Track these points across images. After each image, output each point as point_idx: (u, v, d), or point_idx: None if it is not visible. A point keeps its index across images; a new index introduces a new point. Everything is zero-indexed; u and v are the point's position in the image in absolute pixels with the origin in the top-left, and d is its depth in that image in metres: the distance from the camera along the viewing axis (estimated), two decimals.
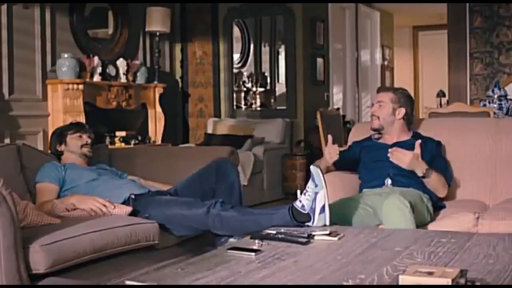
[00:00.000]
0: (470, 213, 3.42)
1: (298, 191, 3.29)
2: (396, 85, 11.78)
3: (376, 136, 4.03)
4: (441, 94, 9.95)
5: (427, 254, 2.46)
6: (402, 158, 3.62)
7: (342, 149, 4.02)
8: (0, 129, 5.88)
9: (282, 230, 2.89)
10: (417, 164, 3.62)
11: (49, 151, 4.22)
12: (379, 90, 4.01)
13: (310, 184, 3.17)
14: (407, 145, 3.75)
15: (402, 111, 3.91)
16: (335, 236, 2.79)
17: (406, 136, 3.94)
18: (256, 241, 2.70)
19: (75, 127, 4.24)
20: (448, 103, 9.12)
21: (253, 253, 2.50)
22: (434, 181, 3.67)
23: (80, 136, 4.11)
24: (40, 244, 2.86)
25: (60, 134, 4.15)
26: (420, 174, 3.63)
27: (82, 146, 4.09)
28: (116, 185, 3.83)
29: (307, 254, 2.55)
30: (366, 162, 3.98)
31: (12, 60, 6.04)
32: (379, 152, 3.86)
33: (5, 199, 2.76)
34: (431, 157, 3.79)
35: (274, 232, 2.85)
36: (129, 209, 3.54)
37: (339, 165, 3.98)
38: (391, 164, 3.70)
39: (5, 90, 5.96)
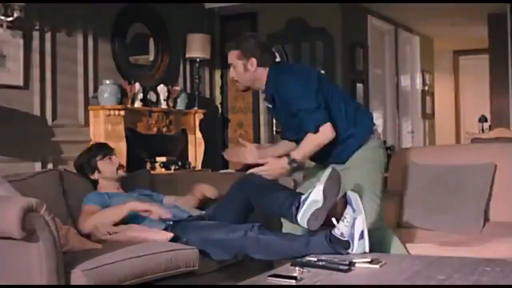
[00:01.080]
0: None
1: (334, 219, 3.25)
2: (437, 110, 11.70)
3: (263, 97, 3.82)
4: (483, 119, 9.83)
5: (471, 283, 2.41)
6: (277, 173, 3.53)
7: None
8: (43, 155, 5.96)
9: (323, 257, 2.86)
10: (278, 164, 3.48)
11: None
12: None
13: (348, 209, 3.15)
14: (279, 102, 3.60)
15: (253, 62, 3.66)
16: (376, 264, 2.75)
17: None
18: (297, 268, 2.68)
19: (102, 151, 4.11)
20: (490, 128, 9.01)
21: (293, 281, 2.49)
22: (309, 150, 3.50)
23: (110, 159, 4.06)
24: (82, 269, 2.88)
25: (89, 162, 4.04)
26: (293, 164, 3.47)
27: (117, 170, 4.05)
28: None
29: (348, 282, 2.52)
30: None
31: (55, 86, 6.13)
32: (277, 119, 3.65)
33: (48, 224, 2.80)
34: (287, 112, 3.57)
35: (314, 259, 2.83)
36: (169, 235, 3.53)
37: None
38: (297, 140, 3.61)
39: (49, 116, 6.05)
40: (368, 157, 3.58)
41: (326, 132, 3.48)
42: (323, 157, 3.63)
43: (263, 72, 3.67)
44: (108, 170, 4.04)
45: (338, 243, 3.12)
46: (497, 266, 2.68)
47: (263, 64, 3.67)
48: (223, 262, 3.63)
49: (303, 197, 3.36)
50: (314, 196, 3.29)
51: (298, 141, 3.64)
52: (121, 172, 4.08)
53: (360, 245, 3.09)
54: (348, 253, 3.08)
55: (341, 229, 3.14)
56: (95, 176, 4.03)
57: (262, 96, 3.71)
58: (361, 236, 3.10)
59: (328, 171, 3.33)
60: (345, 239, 3.12)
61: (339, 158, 3.61)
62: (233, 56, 3.74)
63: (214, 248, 3.50)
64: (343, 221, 3.16)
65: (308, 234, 3.36)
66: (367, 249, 3.08)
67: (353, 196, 3.17)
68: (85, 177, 4.07)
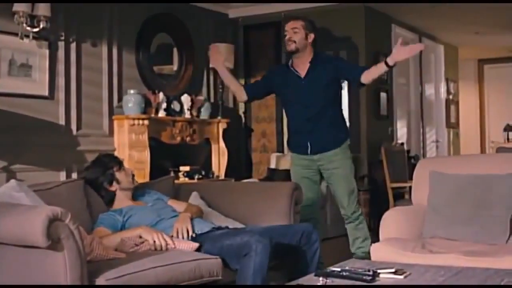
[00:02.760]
0: None
1: None
2: (462, 119, 11.62)
3: (291, 63, 4.79)
4: (508, 128, 9.74)
5: None
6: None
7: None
8: (68, 164, 6.01)
9: (347, 267, 2.85)
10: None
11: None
12: (288, 19, 4.83)
13: None
14: (317, 73, 4.68)
15: (312, 36, 4.73)
16: (401, 274, 2.74)
17: (310, 58, 4.73)
18: (320, 278, 2.67)
19: (115, 162, 4.00)
20: None
21: None
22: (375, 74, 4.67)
23: (124, 169, 3.99)
24: (106, 278, 2.90)
25: (105, 174, 3.92)
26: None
27: (132, 179, 4.04)
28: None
29: None
30: (284, 100, 4.94)
31: (80, 96, 6.19)
32: (293, 89, 4.73)
33: (73, 233, 2.81)
34: (340, 73, 4.75)
35: (338, 269, 2.82)
36: (195, 245, 3.53)
37: (250, 92, 4.94)
38: (308, 116, 4.68)
39: (73, 126, 6.11)
40: (349, 154, 4.87)
41: None
42: (312, 142, 4.73)
43: (311, 50, 4.75)
44: (125, 180, 3.96)
45: None
46: None
47: (314, 45, 4.76)
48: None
49: None
50: None
51: (309, 105, 4.72)
52: (135, 182, 4.07)
53: None
54: None
55: None
56: (114, 187, 3.93)
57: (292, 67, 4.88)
58: None
59: None
60: None
61: (326, 147, 4.73)
62: (299, 23, 4.71)
63: (229, 256, 3.50)
64: None
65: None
66: None
67: None
68: (98, 191, 3.95)
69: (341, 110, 4.94)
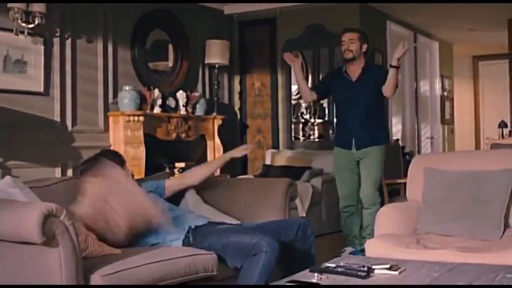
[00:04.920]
0: None
1: None
2: (456, 116, 11.65)
3: (345, 68, 5.43)
4: (502, 124, 9.75)
5: None
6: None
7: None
8: (64, 160, 6.00)
9: (342, 263, 2.85)
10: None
11: None
12: (345, 31, 5.48)
13: None
14: (367, 78, 5.31)
15: (365, 46, 5.39)
16: (395, 270, 2.75)
17: (362, 65, 5.36)
18: (315, 274, 2.68)
19: (118, 158, 3.97)
20: (510, 134, 8.94)
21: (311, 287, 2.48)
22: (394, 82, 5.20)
23: (125, 167, 3.97)
24: (101, 274, 2.90)
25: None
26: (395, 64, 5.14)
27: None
28: (178, 216, 3.80)
29: None
30: (337, 101, 5.71)
31: (76, 93, 6.18)
32: (345, 91, 5.39)
33: (68, 230, 2.81)
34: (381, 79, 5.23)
35: (333, 265, 2.82)
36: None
37: (320, 92, 5.67)
38: (355, 114, 5.30)
39: (69, 122, 6.10)
40: (385, 152, 5.42)
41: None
42: (356, 138, 5.35)
43: (363, 58, 5.41)
44: None
45: None
46: None
47: (366, 54, 5.44)
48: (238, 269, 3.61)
49: None
50: None
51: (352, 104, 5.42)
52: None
53: None
54: None
55: None
56: None
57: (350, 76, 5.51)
58: None
59: None
60: None
61: (368, 144, 5.32)
62: (356, 35, 5.41)
63: (231, 253, 3.50)
64: None
65: None
66: None
67: None
68: None
69: (383, 114, 5.65)
